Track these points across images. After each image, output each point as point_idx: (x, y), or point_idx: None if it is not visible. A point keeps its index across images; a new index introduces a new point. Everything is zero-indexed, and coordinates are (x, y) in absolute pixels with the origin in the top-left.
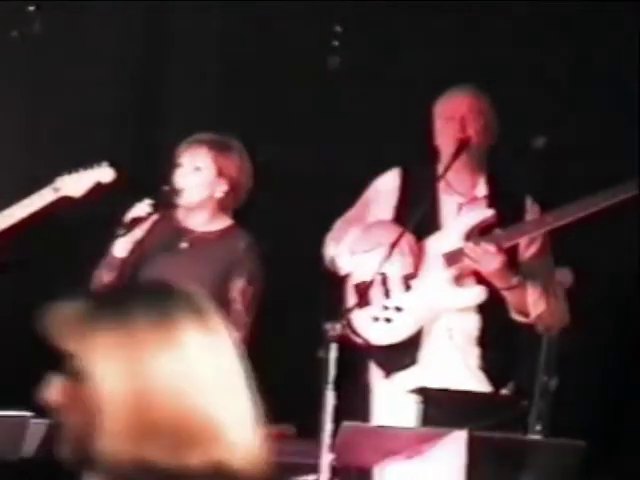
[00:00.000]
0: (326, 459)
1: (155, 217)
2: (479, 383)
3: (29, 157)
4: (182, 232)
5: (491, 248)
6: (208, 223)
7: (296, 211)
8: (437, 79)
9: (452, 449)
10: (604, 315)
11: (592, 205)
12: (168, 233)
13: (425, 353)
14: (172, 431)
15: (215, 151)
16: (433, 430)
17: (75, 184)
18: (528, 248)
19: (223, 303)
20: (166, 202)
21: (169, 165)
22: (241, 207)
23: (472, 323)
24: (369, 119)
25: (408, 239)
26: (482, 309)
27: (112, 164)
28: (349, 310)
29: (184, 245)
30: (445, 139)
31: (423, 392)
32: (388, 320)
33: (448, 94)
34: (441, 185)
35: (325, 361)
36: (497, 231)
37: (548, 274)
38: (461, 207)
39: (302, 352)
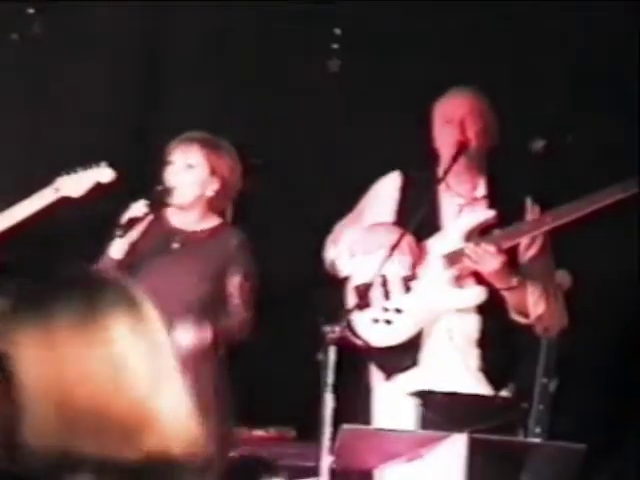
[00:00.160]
0: (326, 462)
1: (150, 217)
2: (479, 384)
3: (29, 157)
4: (172, 232)
5: (491, 249)
6: (198, 222)
7: (296, 212)
8: (436, 81)
9: (452, 452)
10: (603, 317)
11: (591, 204)
12: (158, 234)
13: (425, 354)
14: (105, 424)
15: (207, 149)
16: (433, 433)
17: (75, 184)
18: (528, 249)
19: (220, 300)
20: (159, 202)
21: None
22: (241, 207)
23: (472, 324)
24: (369, 121)
25: (408, 241)
26: (482, 310)
27: (111, 164)
28: (349, 311)
29: (176, 245)
30: (444, 141)
31: (423, 395)
32: (388, 322)
33: (447, 96)
34: (441, 187)
35: (324, 363)
36: (497, 231)
37: (548, 275)
38: (461, 208)
39: (301, 355)
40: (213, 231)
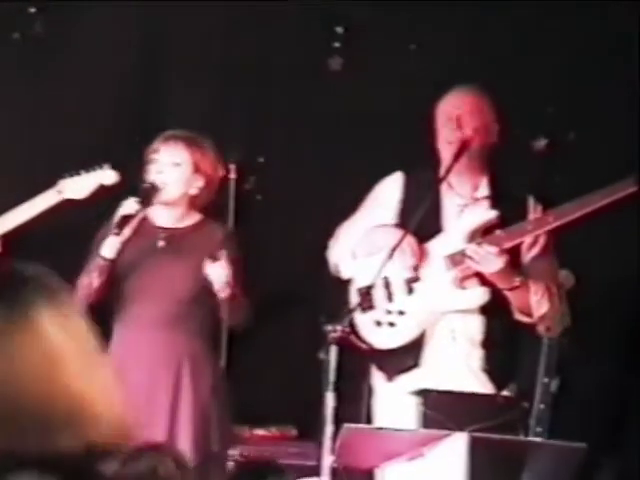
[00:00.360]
0: (327, 461)
1: (142, 214)
2: (481, 384)
3: (29, 157)
4: (156, 230)
5: (492, 249)
6: (181, 219)
7: (298, 213)
8: (438, 80)
9: (453, 451)
10: (605, 316)
11: (593, 202)
12: (142, 233)
13: (428, 355)
14: (46, 418)
15: (192, 147)
16: (434, 432)
17: (78, 186)
18: (531, 248)
19: (212, 292)
20: (147, 199)
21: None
22: (242, 207)
23: (475, 324)
24: (370, 120)
25: (410, 242)
26: (485, 310)
27: (113, 166)
28: (350, 311)
29: (161, 243)
30: (442, 140)
31: (424, 394)
32: (391, 324)
33: (448, 95)
34: (443, 187)
35: (326, 363)
36: (498, 232)
37: (551, 274)
38: (463, 208)
39: (303, 354)
40: (195, 227)
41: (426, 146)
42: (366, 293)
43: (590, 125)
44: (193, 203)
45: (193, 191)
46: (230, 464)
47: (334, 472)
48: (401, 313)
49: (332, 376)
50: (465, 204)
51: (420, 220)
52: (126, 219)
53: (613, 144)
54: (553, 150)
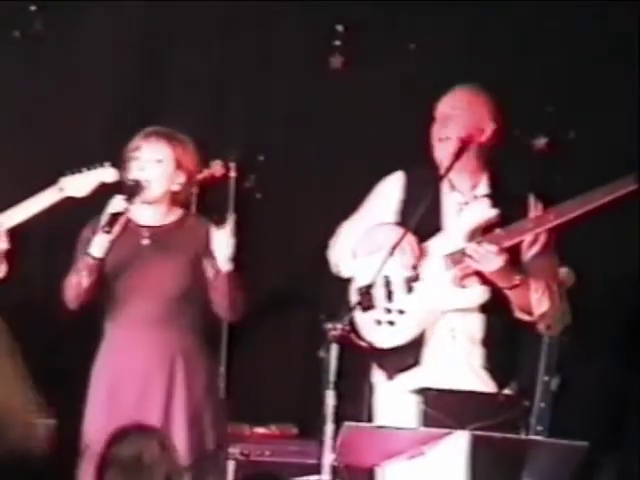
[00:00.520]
0: (328, 459)
1: (130, 212)
2: (482, 383)
3: (29, 155)
4: (140, 229)
5: (492, 248)
6: (164, 216)
7: (298, 212)
8: (439, 79)
9: (454, 449)
10: (605, 315)
11: (594, 200)
12: (126, 232)
13: (428, 353)
14: None
15: (174, 143)
16: (435, 430)
17: (79, 184)
18: (531, 246)
19: (202, 287)
20: (132, 197)
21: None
22: (242, 208)
23: (475, 323)
24: (371, 119)
25: (410, 241)
26: (485, 309)
27: (113, 165)
28: (351, 309)
29: (145, 242)
30: (433, 138)
31: (425, 392)
32: (391, 323)
33: (448, 94)
34: (443, 185)
35: (326, 361)
36: (498, 230)
37: (552, 272)
38: (463, 207)
39: (303, 352)
40: (179, 222)
41: (426, 145)
42: (366, 292)
43: (590, 124)
44: (174, 199)
45: (175, 187)
46: (231, 462)
47: (335, 470)
48: (401, 312)
49: (332, 374)
50: (465, 202)
51: (420, 219)
52: (116, 217)
53: (613, 143)
54: (553, 149)
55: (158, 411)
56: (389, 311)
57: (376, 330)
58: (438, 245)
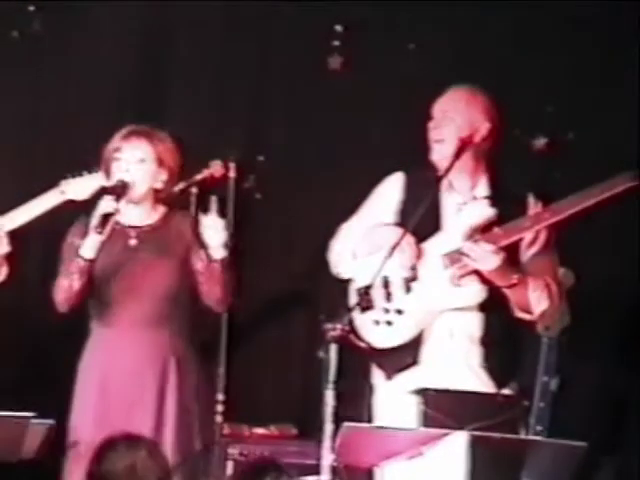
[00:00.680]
0: (327, 460)
1: (119, 213)
2: (481, 382)
3: (29, 155)
4: (125, 230)
5: (489, 247)
6: (148, 216)
7: (298, 212)
8: (438, 79)
9: (453, 449)
10: (605, 315)
11: (589, 198)
12: (112, 233)
13: (426, 353)
14: None
15: (154, 141)
16: (434, 431)
17: (80, 187)
18: (531, 245)
19: (192, 285)
20: (119, 197)
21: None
22: (241, 208)
23: (473, 322)
24: (370, 119)
25: (409, 241)
26: (483, 308)
27: None
28: (350, 309)
29: (133, 242)
30: (444, 139)
31: (424, 393)
32: (389, 323)
33: (447, 94)
34: (443, 186)
35: (326, 361)
36: (496, 229)
37: (551, 271)
38: (462, 207)
39: (303, 352)
40: (164, 220)
41: (426, 146)
42: (365, 293)
43: (589, 124)
44: (157, 197)
45: (158, 185)
46: (230, 463)
47: (334, 471)
48: (399, 312)
49: (332, 375)
50: (464, 202)
51: (420, 219)
52: (107, 218)
53: (612, 143)
54: (553, 149)
55: (150, 412)
56: (387, 311)
57: (374, 330)
58: (437, 245)
